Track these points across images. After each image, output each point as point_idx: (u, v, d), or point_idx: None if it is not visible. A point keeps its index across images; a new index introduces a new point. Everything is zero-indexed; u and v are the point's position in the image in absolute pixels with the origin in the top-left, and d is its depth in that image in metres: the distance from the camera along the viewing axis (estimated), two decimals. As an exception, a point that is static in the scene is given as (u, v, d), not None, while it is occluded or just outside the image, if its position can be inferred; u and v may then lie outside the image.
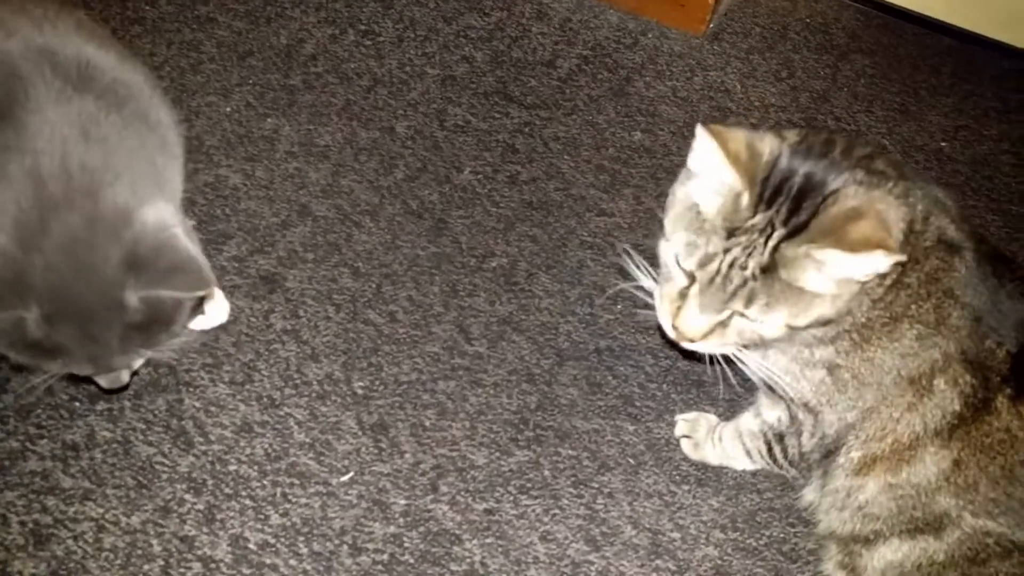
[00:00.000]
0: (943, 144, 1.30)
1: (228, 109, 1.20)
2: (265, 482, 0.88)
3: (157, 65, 1.21)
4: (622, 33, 1.40)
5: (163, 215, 0.72)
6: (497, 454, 0.93)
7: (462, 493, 0.90)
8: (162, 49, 1.24)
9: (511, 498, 0.90)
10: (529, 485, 0.91)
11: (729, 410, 0.98)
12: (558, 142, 1.25)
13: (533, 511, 0.89)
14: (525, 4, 1.40)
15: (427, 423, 0.94)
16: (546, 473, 0.92)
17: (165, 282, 0.70)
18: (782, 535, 0.89)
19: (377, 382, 0.97)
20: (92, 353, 0.71)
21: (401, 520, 0.87)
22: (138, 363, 0.80)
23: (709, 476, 0.93)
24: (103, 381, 0.77)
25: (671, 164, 1.24)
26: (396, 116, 1.23)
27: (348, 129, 1.20)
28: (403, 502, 0.89)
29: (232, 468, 0.88)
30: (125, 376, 0.78)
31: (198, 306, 0.85)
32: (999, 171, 1.26)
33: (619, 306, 1.07)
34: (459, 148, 1.21)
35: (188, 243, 0.72)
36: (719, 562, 0.87)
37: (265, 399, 0.93)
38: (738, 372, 0.82)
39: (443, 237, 1.12)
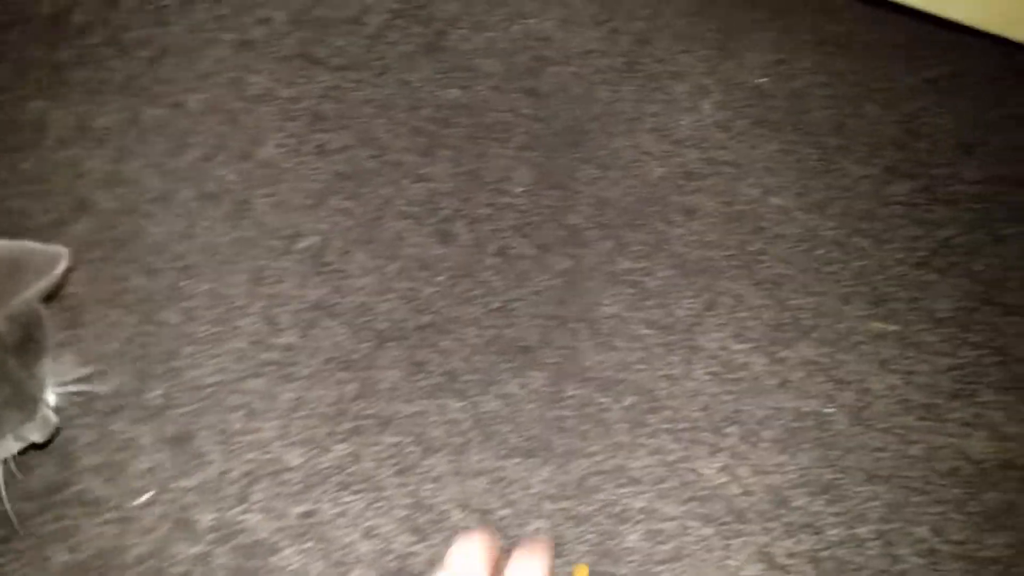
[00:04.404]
0: (761, 80, 1.30)
1: (-17, 94, 1.05)
2: (47, 517, 0.79)
3: None
4: (435, -18, 1.32)
5: None
6: (314, 451, 0.87)
7: (276, 498, 0.84)
8: None
9: (330, 497, 0.84)
10: (350, 480, 0.86)
11: (556, 373, 0.95)
12: (370, 105, 1.16)
13: (354, 507, 0.84)
14: (327, -45, 1.29)
15: (235, 427, 0.87)
16: (367, 465, 0.87)
17: (21, 284, 0.62)
18: (612, 497, 0.88)
19: (176, 389, 0.89)
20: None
21: (209, 536, 0.81)
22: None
23: (537, 446, 0.90)
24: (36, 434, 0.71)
25: (491, 121, 1.18)
26: (187, 89, 1.12)
27: (130, 108, 1.08)
28: (210, 517, 0.82)
29: (2, 508, 0.78)
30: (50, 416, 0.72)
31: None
32: (815, 104, 1.28)
33: (440, 277, 1.02)
34: (260, 120, 1.11)
35: None
36: (551, 533, 0.86)
37: (43, 423, 0.83)
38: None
39: (245, 220, 1.03)
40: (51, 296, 0.79)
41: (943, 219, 1.12)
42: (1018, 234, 1.10)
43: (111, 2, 1.17)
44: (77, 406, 0.85)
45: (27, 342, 0.70)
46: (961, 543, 0.84)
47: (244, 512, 0.82)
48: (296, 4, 1.23)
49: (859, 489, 0.88)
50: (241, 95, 1.13)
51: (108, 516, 0.80)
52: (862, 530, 0.85)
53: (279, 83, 1.16)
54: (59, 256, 0.70)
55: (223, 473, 0.84)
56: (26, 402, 0.71)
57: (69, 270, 0.76)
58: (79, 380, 0.81)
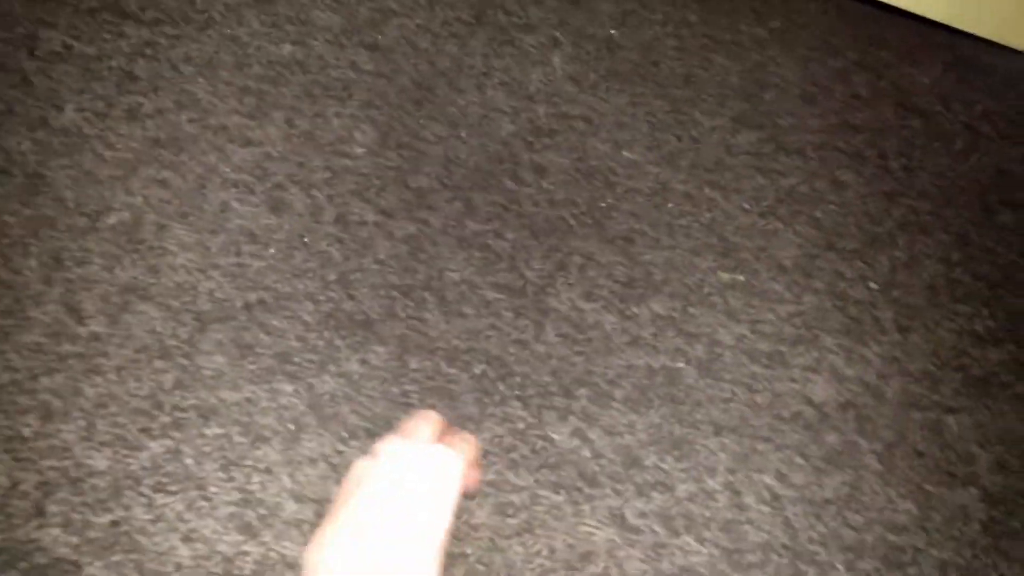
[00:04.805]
0: (612, 32, 1.26)
1: None
2: None
3: None
4: (261, -72, 1.20)
5: None
6: (123, 452, 0.78)
7: (79, 508, 0.74)
8: None
9: (144, 500, 0.76)
10: (167, 480, 0.78)
11: (400, 347, 0.90)
12: (190, 63, 1.05)
13: (172, 510, 0.76)
14: None
15: (26, 432, 0.77)
16: (188, 461, 0.79)
17: None
18: (460, 473, 0.83)
19: (-45, 392, 0.77)
20: None
21: (-1, 558, 0.71)
22: None
23: (379, 426, 0.85)
24: None
25: (328, 78, 1.09)
26: (-36, 48, 0.97)
27: None
28: None
29: None
30: None
31: None
32: (665, 55, 1.25)
33: (271, 250, 0.94)
34: (58, 81, 0.99)
35: None
36: (395, 517, 0.80)
37: None
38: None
39: (40, 196, 0.91)
40: None
41: (788, 168, 1.12)
42: (856, 181, 1.12)
43: None
44: None
45: None
46: (801, 487, 0.84)
47: (38, 528, 0.73)
48: (96, -50, 1.09)
49: (707, 442, 0.87)
50: (33, 52, 1.00)
51: None
52: (710, 483, 0.84)
53: (80, 39, 1.03)
54: None
55: (12, 487, 0.74)
56: None
57: None
58: None
